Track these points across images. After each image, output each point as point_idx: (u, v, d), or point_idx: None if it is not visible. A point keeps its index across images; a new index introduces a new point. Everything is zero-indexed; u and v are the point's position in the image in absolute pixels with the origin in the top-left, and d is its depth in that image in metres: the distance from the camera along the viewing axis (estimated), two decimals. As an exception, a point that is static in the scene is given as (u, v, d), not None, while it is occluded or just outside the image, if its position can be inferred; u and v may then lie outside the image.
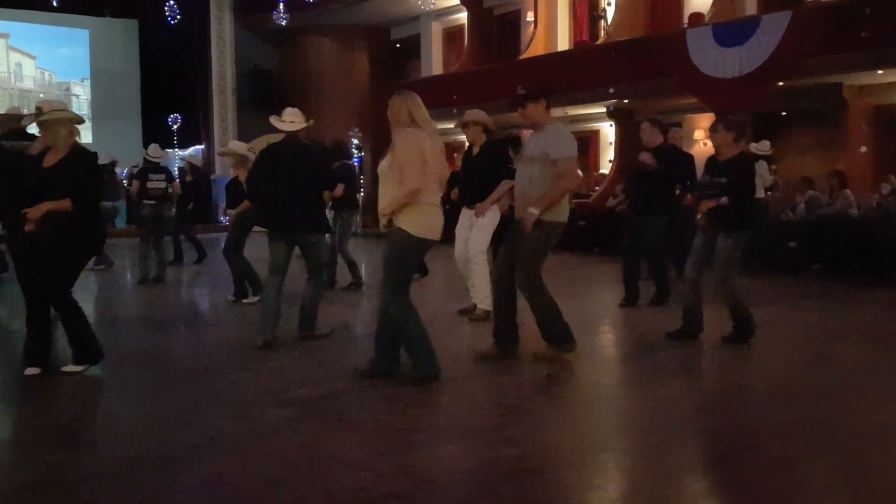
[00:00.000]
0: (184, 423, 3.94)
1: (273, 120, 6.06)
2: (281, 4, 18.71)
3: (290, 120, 5.93)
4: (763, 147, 10.29)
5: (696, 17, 13.89)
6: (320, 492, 3.06)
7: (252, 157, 7.41)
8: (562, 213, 5.11)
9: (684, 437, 3.83)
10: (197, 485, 3.12)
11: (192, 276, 10.85)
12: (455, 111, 16.38)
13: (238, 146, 8.70)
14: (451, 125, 17.08)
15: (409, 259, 4.54)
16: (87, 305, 7.47)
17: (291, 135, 5.89)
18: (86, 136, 20.56)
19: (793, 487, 3.17)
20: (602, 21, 16.76)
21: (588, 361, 5.46)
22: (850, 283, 8.93)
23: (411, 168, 4.32)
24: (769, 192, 10.47)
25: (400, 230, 4.41)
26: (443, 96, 16.70)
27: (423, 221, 4.41)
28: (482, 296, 6.63)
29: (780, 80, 11.72)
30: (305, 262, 6.01)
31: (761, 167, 10.12)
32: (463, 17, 19.76)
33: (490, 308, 6.10)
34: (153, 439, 3.69)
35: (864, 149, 12.16)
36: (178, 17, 18.53)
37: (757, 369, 5.16)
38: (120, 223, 15.63)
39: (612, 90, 14.14)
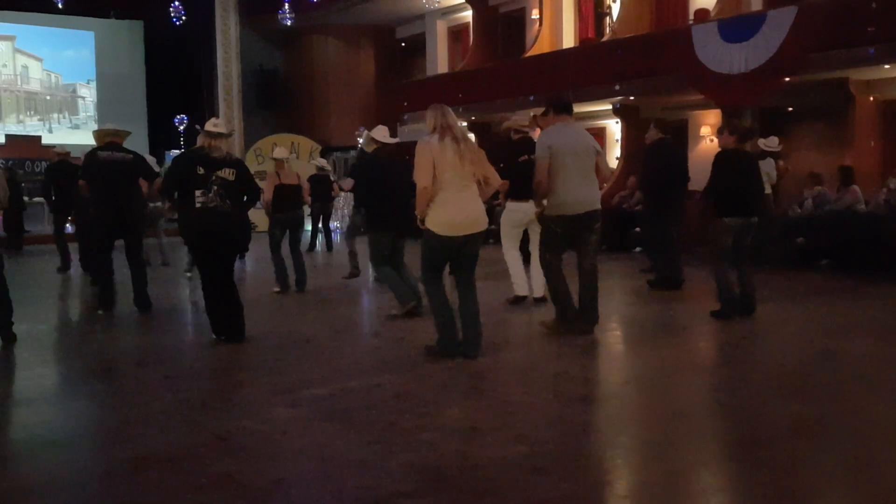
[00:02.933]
0: (192, 422, 3.95)
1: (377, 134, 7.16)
2: (286, 4, 18.73)
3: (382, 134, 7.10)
4: (771, 143, 10.25)
5: (702, 14, 13.85)
6: (329, 491, 3.06)
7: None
8: (553, 209, 5.79)
9: (693, 433, 3.82)
10: (205, 485, 3.12)
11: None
12: (461, 110, 16.42)
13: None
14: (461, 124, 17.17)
15: (432, 250, 5.13)
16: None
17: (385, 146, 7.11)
18: (90, 138, 20.62)
19: (802, 483, 3.16)
20: (607, 18, 16.73)
21: (595, 357, 5.46)
22: (858, 279, 8.90)
23: (420, 170, 4.98)
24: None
25: (426, 228, 5.09)
26: (448, 95, 16.68)
27: (439, 220, 5.02)
28: (513, 281, 7.39)
29: (787, 76, 11.67)
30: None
31: (768, 164, 10.09)
32: (468, 15, 19.75)
33: (520, 293, 7.33)
34: (161, 439, 3.70)
35: (871, 144, 12.10)
36: (184, 18, 18.58)
37: (766, 365, 5.15)
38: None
39: (617, 87, 14.10)
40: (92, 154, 7.40)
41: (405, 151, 7.67)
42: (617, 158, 15.58)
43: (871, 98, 12.20)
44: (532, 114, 6.86)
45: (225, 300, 5.78)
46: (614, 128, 16.39)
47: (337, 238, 14.87)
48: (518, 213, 7.16)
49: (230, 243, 5.77)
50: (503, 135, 7.91)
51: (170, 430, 3.83)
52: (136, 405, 4.42)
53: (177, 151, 22.21)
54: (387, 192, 6.74)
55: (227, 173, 5.65)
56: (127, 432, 3.90)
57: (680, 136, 13.93)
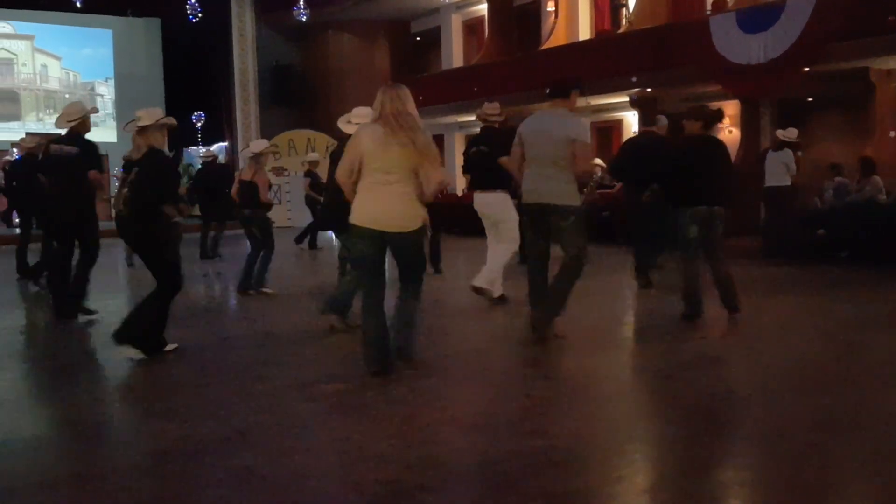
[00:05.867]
0: (212, 417, 3.98)
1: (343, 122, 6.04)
2: (301, 0, 18.77)
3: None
4: (790, 135, 10.16)
5: (720, 4, 13.75)
6: (348, 484, 3.08)
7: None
8: (522, 194, 5.63)
9: (712, 426, 3.80)
10: (226, 478, 3.15)
11: (214, 270, 10.93)
12: (476, 104, 16.42)
13: (260, 144, 8.80)
14: (473, 118, 17.14)
15: (353, 245, 4.69)
16: (117, 302, 7.58)
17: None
18: (110, 135, 20.80)
19: (821, 477, 3.14)
20: (624, 9, 16.65)
21: (613, 352, 5.44)
22: (879, 271, 8.81)
23: (341, 162, 4.62)
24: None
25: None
26: (464, 89, 16.67)
27: (358, 209, 4.55)
28: (485, 278, 7.08)
29: (806, 66, 11.56)
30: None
31: (786, 156, 10.01)
32: (483, 8, 19.70)
33: (478, 284, 7.00)
34: (182, 433, 3.73)
35: (892, 133, 11.96)
36: (200, 15, 18.67)
37: (785, 358, 5.11)
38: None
39: (634, 79, 14.04)
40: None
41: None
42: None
43: (893, 87, 12.07)
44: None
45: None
46: (631, 119, 16.32)
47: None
48: (480, 205, 7.16)
49: (135, 246, 5.59)
50: (509, 125, 7.93)
51: (190, 425, 3.86)
52: (157, 400, 4.46)
53: (194, 148, 22.35)
54: None
55: (133, 174, 5.36)
56: (148, 426, 3.94)
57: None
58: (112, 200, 5.20)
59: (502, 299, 7.02)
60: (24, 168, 9.11)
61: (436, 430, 3.69)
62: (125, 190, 5.31)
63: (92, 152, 6.71)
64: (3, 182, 18.79)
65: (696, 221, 6.03)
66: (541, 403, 4.11)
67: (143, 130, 5.29)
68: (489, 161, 6.99)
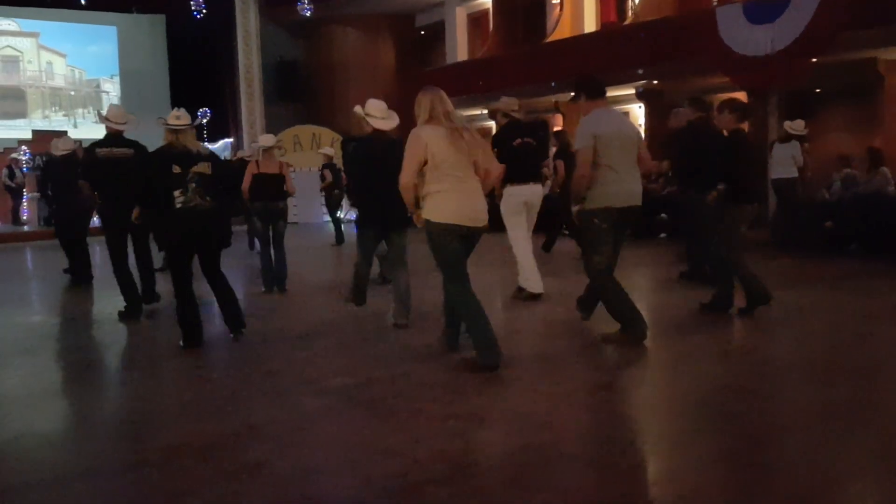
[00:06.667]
0: (223, 412, 4.00)
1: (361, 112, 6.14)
2: (304, -5, 18.76)
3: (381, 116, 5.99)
4: (797, 127, 10.12)
5: (726, -5, 13.68)
6: (358, 479, 3.09)
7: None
8: (598, 200, 5.22)
9: (721, 420, 3.79)
10: (236, 472, 3.16)
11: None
12: (482, 97, 16.37)
13: (269, 139, 8.78)
14: (479, 111, 17.09)
15: (441, 244, 4.65)
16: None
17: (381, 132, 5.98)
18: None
19: (831, 470, 3.13)
20: (629, 1, 16.58)
21: (621, 346, 5.44)
22: (887, 263, 8.77)
23: (405, 165, 4.60)
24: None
25: (427, 220, 4.66)
26: (469, 82, 16.65)
27: (442, 208, 4.60)
28: (523, 277, 7.01)
29: (814, 57, 11.50)
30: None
31: (794, 147, 9.97)
32: (487, 1, 19.66)
33: (534, 290, 6.91)
34: (193, 428, 3.75)
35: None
36: (204, 11, 18.69)
37: (794, 350, 5.10)
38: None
39: (640, 71, 14.00)
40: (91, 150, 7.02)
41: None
42: (640, 143, 15.46)
43: (901, 78, 12.01)
44: (554, 100, 6.62)
45: (219, 293, 5.68)
46: (637, 112, 16.28)
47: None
48: (519, 197, 6.93)
49: (213, 240, 5.56)
50: (529, 119, 7.82)
51: (202, 420, 3.88)
52: (169, 395, 4.49)
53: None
54: (376, 182, 5.79)
55: (204, 167, 5.40)
56: (160, 422, 3.96)
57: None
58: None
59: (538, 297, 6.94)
60: (63, 169, 9.03)
61: (444, 425, 3.69)
62: (194, 184, 5.33)
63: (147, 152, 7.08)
64: (7, 182, 18.82)
65: (746, 220, 6.04)
66: (550, 397, 4.11)
67: (189, 129, 5.53)
68: (534, 152, 7.08)
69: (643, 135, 15.33)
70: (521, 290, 7.05)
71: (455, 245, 4.65)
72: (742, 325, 5.97)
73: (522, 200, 6.95)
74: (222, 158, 5.63)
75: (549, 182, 10.48)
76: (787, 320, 6.08)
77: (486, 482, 3.06)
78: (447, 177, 4.57)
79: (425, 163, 4.56)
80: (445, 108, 4.63)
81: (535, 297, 6.93)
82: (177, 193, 5.27)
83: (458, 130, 4.59)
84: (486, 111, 7.80)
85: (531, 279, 6.96)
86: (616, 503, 2.89)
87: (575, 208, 5.37)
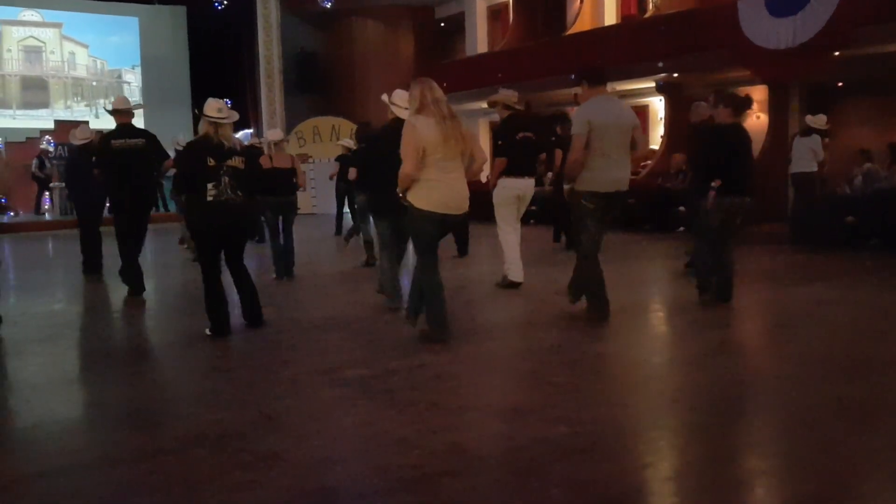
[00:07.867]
0: (240, 402, 4.03)
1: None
2: (325, -13, 18.77)
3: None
4: (819, 122, 10.02)
5: (748, -13, 13.52)
6: (373, 469, 3.11)
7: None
8: (586, 184, 5.54)
9: (737, 414, 3.78)
10: (253, 462, 3.19)
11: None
12: (500, 89, 16.35)
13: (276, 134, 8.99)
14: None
15: (421, 227, 4.97)
16: (147, 285, 7.67)
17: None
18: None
19: (848, 465, 3.11)
20: (650, -7, 16.44)
21: (637, 339, 5.43)
22: (910, 259, 8.68)
23: (405, 155, 4.82)
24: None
25: (410, 204, 4.93)
26: (488, 75, 16.57)
27: (427, 196, 4.86)
28: (507, 265, 7.26)
29: (836, 51, 11.36)
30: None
31: (814, 142, 9.88)
32: (507, -7, 19.58)
33: (515, 279, 7.17)
34: (210, 418, 3.78)
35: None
36: (225, 2, 18.76)
37: (813, 346, 5.06)
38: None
39: (660, 64, 13.89)
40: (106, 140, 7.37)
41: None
42: (661, 137, 15.38)
43: (925, 72, 11.84)
44: (574, 92, 6.69)
45: (240, 287, 5.77)
46: (657, 105, 16.17)
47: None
48: (513, 190, 7.13)
49: (241, 234, 5.68)
50: (549, 112, 7.91)
51: (218, 409, 3.92)
52: (186, 384, 4.53)
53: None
54: (389, 169, 5.62)
55: (237, 162, 5.45)
56: (177, 411, 4.00)
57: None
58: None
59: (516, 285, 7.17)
60: (81, 159, 9.11)
61: (459, 417, 3.71)
62: (227, 178, 5.40)
63: (158, 143, 7.57)
64: (36, 173, 18.99)
65: (738, 213, 6.13)
66: (565, 390, 4.11)
67: (229, 123, 5.63)
68: (534, 147, 7.22)
69: (662, 127, 15.28)
70: (505, 278, 7.29)
71: (432, 229, 4.97)
72: (759, 319, 5.94)
73: (516, 194, 7.17)
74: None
75: (548, 176, 10.63)
76: (804, 315, 6.03)
77: (502, 475, 3.07)
78: (434, 167, 4.82)
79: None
80: (434, 95, 4.86)
81: (514, 286, 7.18)
82: (210, 186, 5.33)
83: (445, 118, 4.81)
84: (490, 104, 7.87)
85: (513, 268, 7.23)
86: (630, 497, 2.89)
87: (566, 187, 5.79)
